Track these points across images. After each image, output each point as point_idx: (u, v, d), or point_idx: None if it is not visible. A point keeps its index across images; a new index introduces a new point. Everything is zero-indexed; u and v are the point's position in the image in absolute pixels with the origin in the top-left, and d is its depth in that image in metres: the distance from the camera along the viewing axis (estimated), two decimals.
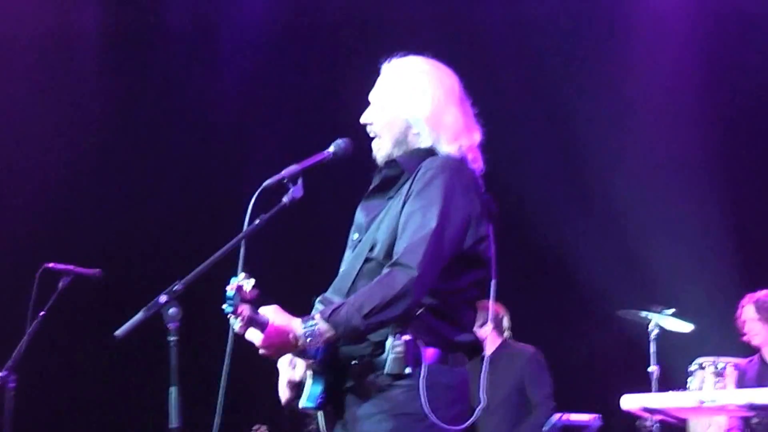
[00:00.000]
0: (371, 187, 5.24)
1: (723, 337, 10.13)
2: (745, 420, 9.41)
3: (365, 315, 4.67)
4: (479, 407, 5.02)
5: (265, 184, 5.13)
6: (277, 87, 14.46)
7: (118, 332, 5.03)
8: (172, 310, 4.97)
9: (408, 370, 4.79)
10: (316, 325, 4.73)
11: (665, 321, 10.83)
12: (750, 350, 9.81)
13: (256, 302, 4.79)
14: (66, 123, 13.83)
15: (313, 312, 4.95)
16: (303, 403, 5.11)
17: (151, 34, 14.65)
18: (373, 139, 5.33)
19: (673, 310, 10.91)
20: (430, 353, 4.84)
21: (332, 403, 5.08)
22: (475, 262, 4.99)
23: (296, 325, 4.75)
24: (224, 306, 4.68)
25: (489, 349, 10.21)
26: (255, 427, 10.77)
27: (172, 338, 5.04)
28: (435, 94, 5.16)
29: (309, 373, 5.08)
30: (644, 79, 13.82)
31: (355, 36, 13.83)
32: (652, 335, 10.78)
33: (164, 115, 14.44)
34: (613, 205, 13.35)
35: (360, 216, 5.22)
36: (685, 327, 10.92)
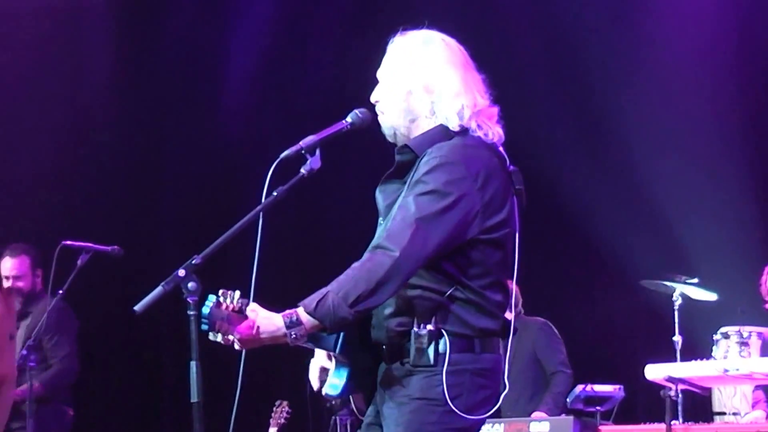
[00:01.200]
0: (388, 172, 5.18)
1: (747, 306, 10.12)
2: None
3: (351, 304, 4.70)
4: (503, 393, 5.05)
5: (283, 155, 5.11)
6: (290, 61, 14.49)
7: (137, 307, 5.04)
8: (191, 284, 4.94)
9: (432, 362, 4.83)
10: (299, 320, 4.77)
11: (689, 290, 10.85)
12: None
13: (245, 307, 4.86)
14: (83, 102, 13.85)
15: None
16: (325, 390, 5.20)
17: (164, 7, 14.69)
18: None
19: (696, 280, 10.93)
20: (454, 342, 4.87)
21: (360, 387, 5.15)
22: (491, 246, 4.97)
23: (277, 322, 4.80)
24: (202, 326, 4.76)
25: None
26: (277, 403, 10.79)
27: (191, 312, 5.00)
28: (433, 60, 5.13)
29: (333, 362, 5.14)
30: (669, 43, 13.83)
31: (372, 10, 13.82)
32: (676, 305, 10.80)
33: (180, 90, 14.47)
34: (638, 175, 13.34)
35: (380, 200, 5.20)
36: (709, 296, 10.94)
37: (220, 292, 4.76)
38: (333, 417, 11.04)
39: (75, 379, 9.31)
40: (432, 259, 4.83)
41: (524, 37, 13.49)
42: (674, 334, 10.75)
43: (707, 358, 10.56)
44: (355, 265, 4.83)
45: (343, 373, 5.07)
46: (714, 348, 10.84)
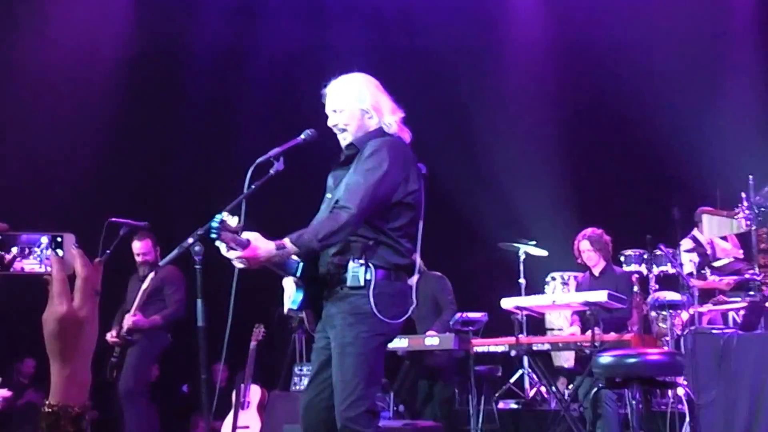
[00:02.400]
0: (338, 162, 5.33)
1: (567, 259, 10.18)
2: (581, 312, 9.51)
3: (320, 239, 4.85)
4: (411, 307, 5.15)
5: (258, 161, 5.19)
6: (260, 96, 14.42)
7: (161, 263, 5.08)
8: (197, 248, 5.00)
9: (362, 283, 4.95)
10: (284, 245, 4.83)
11: (529, 249, 10.97)
12: (583, 268, 9.90)
13: (241, 231, 4.83)
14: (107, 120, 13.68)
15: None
16: (288, 306, 5.25)
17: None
18: (338, 135, 5.40)
19: (534, 242, 11.00)
20: (378, 272, 4.99)
21: (312, 306, 5.23)
22: (407, 208, 5.12)
23: (271, 246, 4.82)
24: (210, 234, 4.72)
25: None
26: (256, 326, 10.75)
27: (197, 266, 5.10)
28: (370, 89, 5.35)
29: (293, 285, 5.20)
30: (514, 84, 13.93)
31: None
32: (521, 259, 10.89)
33: (185, 110, 14.34)
34: (495, 169, 13.39)
35: (330, 181, 5.35)
36: (542, 252, 11.03)
37: (224, 214, 4.75)
38: (293, 334, 11.02)
39: (183, 317, 9.49)
40: (373, 213, 4.98)
41: (405, 68, 13.40)
42: (519, 278, 10.81)
43: (541, 293, 10.63)
44: (325, 215, 5.06)
45: (300, 293, 5.16)
46: (546, 286, 10.93)
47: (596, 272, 9.61)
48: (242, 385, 10.51)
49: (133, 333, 9.67)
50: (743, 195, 9.11)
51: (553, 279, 11.01)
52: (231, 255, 4.83)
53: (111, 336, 9.65)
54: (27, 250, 2.28)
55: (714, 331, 8.26)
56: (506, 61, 14.30)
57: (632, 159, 13.30)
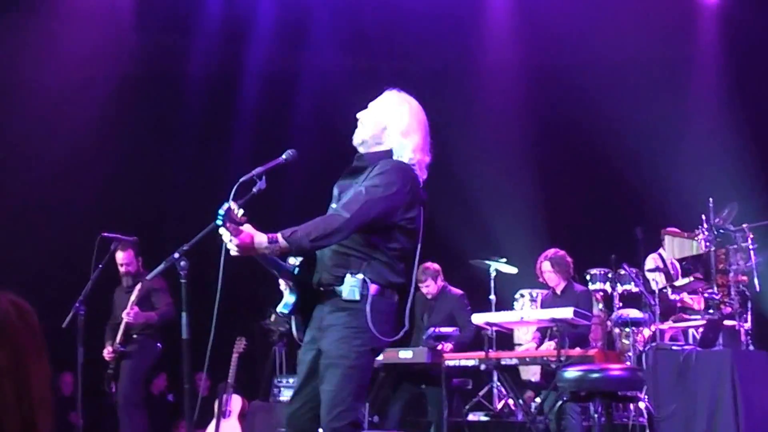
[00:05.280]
0: (345, 172, 5.32)
1: (536, 276, 10.24)
2: (542, 329, 9.63)
3: (311, 240, 4.79)
4: (404, 330, 5.12)
5: (241, 180, 5.12)
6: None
7: (149, 276, 5.12)
8: (182, 263, 5.10)
9: (358, 297, 4.90)
10: (276, 240, 4.79)
11: (500, 266, 10.97)
12: (546, 286, 10.02)
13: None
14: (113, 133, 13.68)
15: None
16: (279, 308, 5.18)
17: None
18: (355, 136, 5.39)
19: (505, 259, 11.03)
20: (373, 288, 4.93)
21: (302, 313, 5.17)
22: (404, 232, 5.08)
23: (263, 237, 4.80)
24: (216, 221, 4.69)
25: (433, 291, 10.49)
26: (238, 338, 10.78)
27: (182, 280, 5.27)
28: (411, 117, 5.30)
29: (287, 289, 5.15)
30: (487, 104, 14.03)
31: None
32: (492, 275, 10.90)
33: (173, 131, 14.36)
34: (468, 188, 13.47)
35: (335, 191, 5.30)
36: (512, 270, 11.05)
37: (232, 203, 4.71)
38: (273, 347, 11.05)
39: (173, 319, 9.53)
40: (367, 227, 4.93)
41: (383, 88, 13.40)
42: (490, 294, 10.84)
43: (511, 309, 10.68)
44: (320, 218, 4.94)
45: (293, 297, 5.11)
46: (515, 303, 10.97)
47: (558, 290, 9.76)
48: (224, 395, 10.54)
49: (127, 344, 9.76)
50: (703, 217, 9.20)
51: (522, 296, 11.03)
52: (230, 242, 4.80)
53: (107, 353, 9.73)
54: None
55: (674, 348, 8.34)
56: (479, 82, 14.37)
57: (599, 180, 13.40)
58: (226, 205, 4.69)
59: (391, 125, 5.25)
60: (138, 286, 9.64)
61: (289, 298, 5.13)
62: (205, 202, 12.37)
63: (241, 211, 4.73)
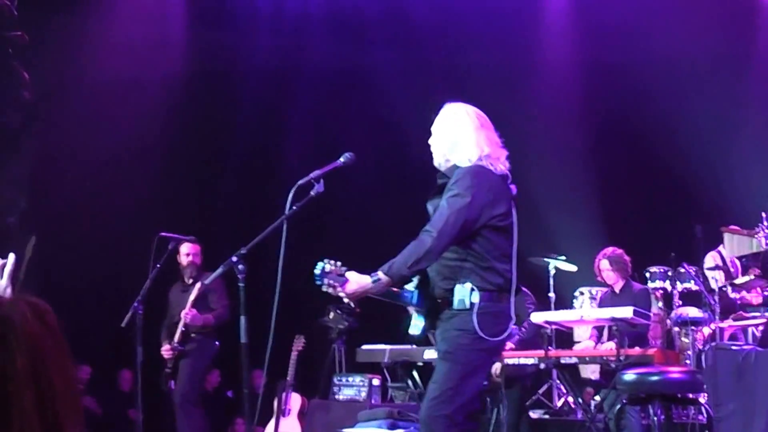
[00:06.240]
0: (433, 191, 5.45)
1: (593, 274, 10.18)
2: (599, 328, 9.61)
3: (409, 266, 5.08)
4: (511, 325, 5.32)
5: (298, 183, 5.34)
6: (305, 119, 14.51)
7: (207, 280, 5.21)
8: (240, 266, 5.16)
9: (467, 306, 5.11)
10: (378, 277, 5.08)
11: (559, 264, 10.93)
12: (605, 284, 9.98)
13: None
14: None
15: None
16: (411, 331, 5.45)
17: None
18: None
19: (564, 257, 10.99)
20: (481, 294, 5.13)
21: (434, 329, 5.37)
22: (496, 231, 5.24)
23: (366, 279, 5.09)
24: (316, 282, 5.04)
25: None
26: (296, 337, 10.81)
27: (241, 284, 5.31)
28: (470, 122, 5.48)
29: (414, 313, 5.42)
30: (545, 102, 13.96)
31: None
32: (551, 273, 10.87)
33: (226, 130, 14.45)
34: (526, 185, 13.28)
35: (430, 208, 5.43)
36: (571, 267, 11.01)
37: (326, 260, 5.07)
38: (332, 345, 11.07)
39: (229, 320, 9.65)
40: (459, 237, 5.14)
41: (439, 84, 13.41)
42: (549, 292, 10.81)
43: (570, 307, 10.64)
44: (411, 243, 5.14)
45: (421, 319, 5.37)
46: (574, 301, 10.91)
47: (617, 289, 9.70)
48: (283, 394, 10.59)
49: (185, 343, 9.87)
50: (763, 215, 9.11)
51: (582, 294, 10.96)
52: (338, 293, 5.11)
53: (165, 351, 9.82)
54: None
55: (733, 347, 8.26)
56: (534, 78, 14.29)
57: (657, 177, 13.29)
58: (320, 266, 5.03)
59: (455, 136, 5.42)
60: (197, 285, 9.71)
61: (418, 321, 5.39)
62: (259, 203, 12.55)
63: (339, 263, 5.06)
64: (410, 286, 5.34)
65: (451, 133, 5.42)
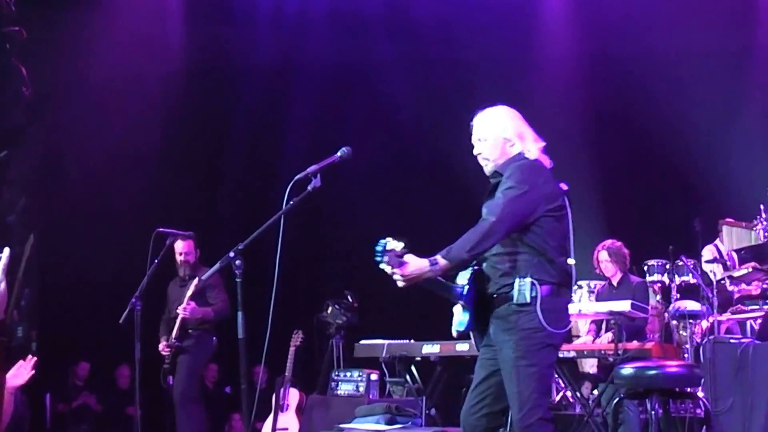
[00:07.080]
0: (487, 192, 5.41)
1: (592, 268, 10.19)
2: (597, 322, 9.65)
3: (468, 250, 5.01)
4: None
5: (296, 178, 5.35)
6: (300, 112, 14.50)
7: (204, 276, 5.20)
8: (237, 261, 5.19)
9: (528, 300, 5.07)
10: (436, 261, 5.00)
11: None
12: (602, 277, 9.99)
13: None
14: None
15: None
16: (455, 327, 5.38)
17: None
18: (483, 167, 5.53)
19: None
20: (543, 288, 5.09)
21: (478, 328, 5.34)
22: (551, 223, 5.22)
23: (424, 263, 4.99)
24: (375, 258, 4.89)
25: None
26: (295, 332, 10.80)
27: (238, 279, 5.33)
28: (512, 120, 5.52)
29: (460, 308, 5.33)
30: (544, 94, 13.92)
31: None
32: None
33: (225, 126, 14.45)
34: None
35: (484, 212, 5.34)
36: (570, 261, 10.95)
37: (388, 239, 4.94)
38: (330, 340, 11.08)
39: (228, 315, 9.64)
40: (517, 227, 5.12)
41: (441, 79, 13.41)
42: None
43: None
44: (470, 230, 5.08)
45: (467, 315, 5.27)
46: (573, 295, 10.90)
47: (614, 282, 9.72)
48: (282, 389, 10.59)
49: (183, 339, 9.87)
50: (761, 207, 9.12)
51: (580, 287, 10.95)
52: (394, 274, 5.00)
53: (163, 347, 9.82)
54: None
55: (732, 341, 8.26)
56: (534, 72, 14.25)
57: (656, 171, 13.29)
58: (383, 242, 4.91)
59: (506, 134, 5.44)
60: (194, 281, 9.70)
61: (462, 316, 5.31)
62: (257, 198, 12.54)
63: (401, 244, 4.95)
64: (462, 281, 5.28)
65: (504, 131, 5.44)
